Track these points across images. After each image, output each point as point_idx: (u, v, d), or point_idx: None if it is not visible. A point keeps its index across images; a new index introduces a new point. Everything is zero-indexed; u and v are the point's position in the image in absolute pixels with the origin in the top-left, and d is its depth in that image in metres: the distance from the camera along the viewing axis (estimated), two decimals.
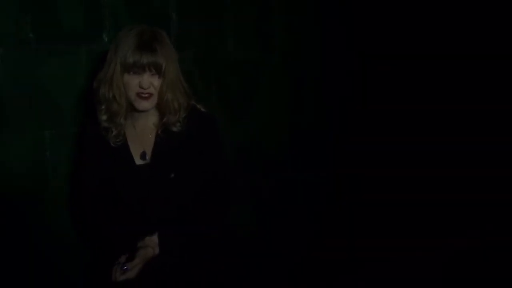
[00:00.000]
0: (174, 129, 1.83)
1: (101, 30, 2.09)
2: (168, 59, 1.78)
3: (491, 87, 3.71)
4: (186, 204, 1.86)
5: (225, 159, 1.96)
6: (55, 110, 2.01)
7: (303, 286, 2.89)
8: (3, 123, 1.90)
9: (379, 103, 3.30)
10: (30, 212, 2.00)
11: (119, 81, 1.76)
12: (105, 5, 2.09)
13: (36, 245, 2.02)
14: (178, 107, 1.81)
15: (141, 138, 1.88)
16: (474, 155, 3.64)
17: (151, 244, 1.80)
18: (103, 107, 1.80)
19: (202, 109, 1.91)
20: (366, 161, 3.25)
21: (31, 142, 1.97)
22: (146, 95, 1.78)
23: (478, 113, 3.69)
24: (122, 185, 1.85)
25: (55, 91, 1.99)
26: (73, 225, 2.09)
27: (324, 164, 3.07)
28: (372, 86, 3.28)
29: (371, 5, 3.22)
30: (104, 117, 1.81)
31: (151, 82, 1.77)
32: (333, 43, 3.06)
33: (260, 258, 2.73)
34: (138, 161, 1.87)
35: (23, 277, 1.99)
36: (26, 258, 1.99)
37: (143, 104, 1.80)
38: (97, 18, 2.08)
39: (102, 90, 1.78)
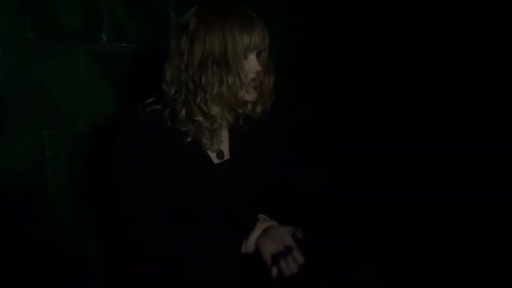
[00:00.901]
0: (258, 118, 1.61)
1: (100, 30, 2.09)
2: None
3: (491, 87, 3.71)
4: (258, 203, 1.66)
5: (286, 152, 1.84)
6: (55, 109, 2.01)
7: (303, 286, 2.89)
8: (3, 123, 1.91)
9: (379, 103, 3.30)
10: (30, 212, 2.01)
11: (238, 67, 1.47)
12: (104, 4, 2.09)
13: (35, 245, 2.02)
14: (272, 94, 1.63)
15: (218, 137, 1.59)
16: (475, 155, 3.64)
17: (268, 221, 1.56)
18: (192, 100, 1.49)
19: None
20: (366, 161, 3.25)
21: (30, 141, 1.98)
22: (256, 83, 1.55)
23: (478, 113, 3.69)
24: (202, 186, 1.56)
25: (54, 90, 2.00)
26: (73, 225, 2.10)
27: (324, 164, 3.07)
28: (372, 86, 3.28)
29: (371, 5, 3.22)
30: (182, 114, 1.51)
31: (261, 65, 1.54)
32: (333, 43, 3.06)
33: (259, 258, 2.73)
34: (216, 161, 1.60)
35: (23, 277, 2.00)
36: (25, 258, 1.99)
37: (253, 94, 1.56)
38: (97, 18, 2.08)
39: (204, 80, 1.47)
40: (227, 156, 1.61)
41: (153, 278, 1.59)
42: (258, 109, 1.61)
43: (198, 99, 1.48)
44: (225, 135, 1.61)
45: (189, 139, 1.52)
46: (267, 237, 1.50)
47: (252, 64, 1.51)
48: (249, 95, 1.53)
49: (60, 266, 2.09)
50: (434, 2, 3.47)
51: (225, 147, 1.61)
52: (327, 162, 3.09)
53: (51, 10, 1.97)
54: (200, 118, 1.49)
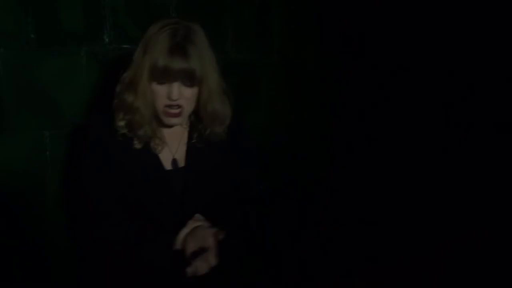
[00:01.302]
0: (216, 139, 1.65)
1: (102, 31, 2.09)
2: (205, 63, 1.53)
3: (491, 87, 3.72)
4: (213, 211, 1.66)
5: (255, 164, 1.81)
6: (56, 110, 2.01)
7: (303, 287, 2.90)
8: (4, 123, 1.91)
9: (379, 103, 3.31)
10: (30, 212, 2.01)
11: (146, 89, 1.52)
12: (106, 6, 2.10)
13: (35, 245, 2.02)
14: (223, 118, 1.63)
15: (170, 146, 1.68)
16: (475, 155, 3.65)
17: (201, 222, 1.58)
18: (122, 115, 1.58)
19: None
20: (366, 161, 3.26)
21: (31, 142, 1.98)
22: (175, 109, 1.55)
23: (476, 113, 3.70)
24: (148, 193, 1.62)
25: (56, 91, 2.00)
26: (73, 226, 2.10)
27: (324, 164, 3.07)
28: (372, 86, 3.28)
29: (371, 5, 3.23)
30: (121, 123, 1.58)
31: (181, 92, 1.53)
32: (333, 43, 3.06)
33: (259, 259, 2.74)
34: (169, 167, 1.66)
35: (22, 277, 2.00)
36: (25, 258, 1.99)
37: (171, 121, 1.58)
38: (98, 19, 2.08)
39: (125, 96, 1.55)
40: (181, 165, 1.67)
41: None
42: (208, 131, 1.65)
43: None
44: (182, 148, 1.67)
45: (141, 145, 1.61)
46: (191, 235, 1.55)
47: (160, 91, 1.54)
48: (166, 120, 1.59)
49: (60, 266, 2.09)
50: (434, 4, 3.48)
51: (181, 158, 1.67)
52: (327, 162, 3.09)
53: (53, 11, 1.97)
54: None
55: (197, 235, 1.54)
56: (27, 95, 1.94)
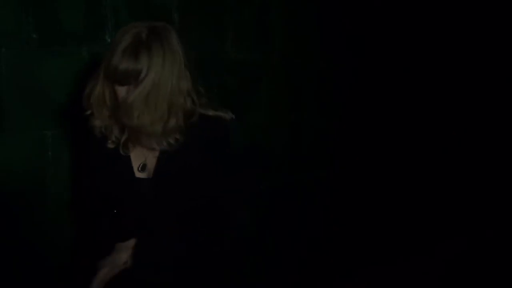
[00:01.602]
0: (172, 141, 1.55)
1: (103, 31, 2.09)
2: (154, 63, 1.45)
3: (492, 87, 3.72)
4: (188, 216, 1.62)
5: (236, 166, 1.68)
6: (57, 110, 2.01)
7: (303, 287, 2.90)
8: (6, 123, 1.90)
9: (380, 103, 3.31)
10: (31, 213, 2.00)
11: (100, 90, 1.52)
12: (107, 5, 2.10)
13: (35, 245, 2.02)
14: (167, 117, 1.51)
15: (143, 148, 1.63)
16: (475, 155, 3.65)
17: (124, 250, 1.61)
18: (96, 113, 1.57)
19: (210, 113, 1.61)
20: (366, 161, 3.26)
21: (32, 142, 1.98)
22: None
23: (480, 113, 3.70)
24: (120, 195, 1.63)
25: (57, 91, 2.00)
26: (73, 226, 2.09)
27: (324, 164, 3.08)
28: (372, 86, 3.28)
29: (371, 5, 3.23)
30: (97, 123, 1.59)
31: (126, 93, 1.48)
32: (333, 43, 3.06)
33: (259, 259, 2.73)
34: (138, 174, 1.63)
35: (23, 277, 1.99)
36: (25, 258, 1.99)
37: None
38: (99, 19, 2.08)
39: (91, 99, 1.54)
40: (151, 172, 1.62)
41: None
42: (162, 141, 1.57)
43: None
44: (153, 153, 1.61)
45: (113, 145, 1.61)
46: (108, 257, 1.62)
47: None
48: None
49: (60, 266, 2.08)
50: (434, 4, 3.48)
51: (151, 164, 1.61)
52: (327, 162, 3.10)
53: (53, 11, 1.97)
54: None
55: (109, 259, 1.61)
56: (28, 95, 1.94)
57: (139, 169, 1.62)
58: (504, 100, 3.73)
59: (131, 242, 1.61)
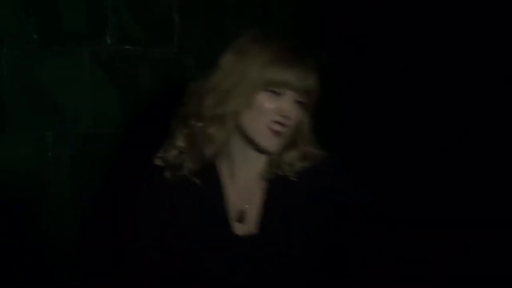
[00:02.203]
0: (292, 177, 1.27)
1: (104, 31, 2.09)
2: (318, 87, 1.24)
3: (493, 87, 3.72)
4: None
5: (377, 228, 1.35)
6: (58, 110, 2.01)
7: (303, 286, 2.89)
8: (6, 123, 1.91)
9: (380, 103, 3.31)
10: (31, 213, 2.00)
11: (245, 99, 1.21)
12: (107, 6, 2.09)
13: (35, 245, 2.02)
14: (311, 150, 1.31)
15: (240, 191, 1.29)
16: (476, 153, 3.65)
17: None
18: (186, 130, 1.26)
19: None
20: (366, 161, 3.26)
21: (33, 142, 1.98)
22: (281, 128, 1.24)
23: (478, 112, 3.70)
24: (209, 260, 1.26)
25: (58, 91, 2.00)
26: (74, 227, 2.10)
27: None
28: (372, 86, 3.28)
29: (372, 5, 3.23)
30: (182, 144, 1.27)
31: (295, 111, 1.25)
32: (333, 43, 3.06)
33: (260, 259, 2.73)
34: (236, 226, 1.27)
35: (23, 277, 1.99)
36: (25, 259, 1.99)
37: (272, 142, 1.24)
38: (100, 19, 2.08)
39: (209, 104, 1.22)
40: (251, 222, 1.27)
41: None
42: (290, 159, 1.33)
43: None
44: (257, 193, 1.29)
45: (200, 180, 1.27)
46: None
47: None
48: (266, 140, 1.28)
49: (60, 266, 2.09)
50: (434, 4, 3.47)
51: (253, 210, 1.28)
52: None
53: (55, 11, 1.97)
54: None
55: None
56: (29, 95, 1.94)
57: (237, 219, 1.28)
58: (504, 100, 3.73)
59: None
